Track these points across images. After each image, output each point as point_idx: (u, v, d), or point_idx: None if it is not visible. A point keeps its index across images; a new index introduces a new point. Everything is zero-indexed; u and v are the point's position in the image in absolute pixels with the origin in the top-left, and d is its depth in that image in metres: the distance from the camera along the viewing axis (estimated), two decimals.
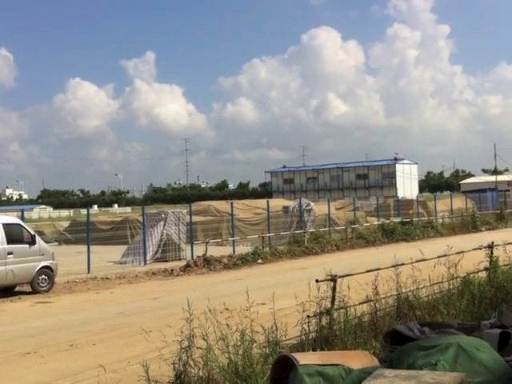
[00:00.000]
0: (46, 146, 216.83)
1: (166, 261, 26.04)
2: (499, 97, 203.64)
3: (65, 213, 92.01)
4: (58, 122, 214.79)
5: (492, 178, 78.73)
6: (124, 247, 27.43)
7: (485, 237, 25.40)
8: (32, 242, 19.17)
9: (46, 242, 25.82)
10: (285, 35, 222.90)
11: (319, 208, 37.00)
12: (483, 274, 12.92)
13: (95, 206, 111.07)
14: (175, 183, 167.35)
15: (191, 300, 8.34)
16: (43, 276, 19.27)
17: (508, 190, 64.31)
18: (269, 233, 30.78)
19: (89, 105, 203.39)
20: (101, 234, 31.78)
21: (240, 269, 24.12)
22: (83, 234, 27.02)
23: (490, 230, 40.90)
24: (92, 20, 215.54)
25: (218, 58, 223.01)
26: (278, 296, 10.40)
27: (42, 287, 19.18)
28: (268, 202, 33.75)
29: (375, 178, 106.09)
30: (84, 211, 44.38)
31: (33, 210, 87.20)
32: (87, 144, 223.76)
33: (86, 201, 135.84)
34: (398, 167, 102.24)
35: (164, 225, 26.79)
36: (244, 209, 40.73)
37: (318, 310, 9.18)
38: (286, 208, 35.43)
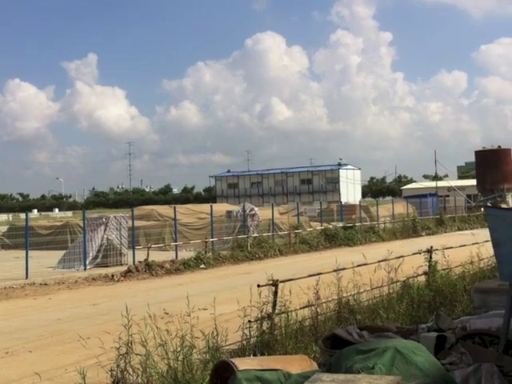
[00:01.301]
0: None
1: (106, 266, 25.60)
2: (439, 104, 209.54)
3: (3, 217, 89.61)
4: None
5: (432, 184, 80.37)
6: (64, 252, 26.87)
7: (425, 241, 25.92)
8: None
9: None
10: (229, 39, 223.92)
11: (263, 213, 37.05)
12: (422, 278, 13.19)
13: (35, 211, 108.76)
14: (118, 187, 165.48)
15: (131, 306, 8.24)
16: None
17: (448, 196, 65.80)
18: (212, 237, 30.67)
19: (28, 107, 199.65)
20: (40, 238, 31.03)
21: (182, 274, 23.94)
22: (22, 239, 26.32)
23: (430, 234, 41.69)
24: (33, 20, 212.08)
25: (162, 61, 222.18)
26: (220, 301, 10.35)
27: None
28: (211, 206, 33.61)
29: (319, 183, 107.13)
30: (23, 215, 43.38)
31: None
32: (27, 146, 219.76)
33: (26, 205, 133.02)
34: (342, 172, 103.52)
35: (105, 229, 26.35)
36: (187, 213, 40.39)
37: (259, 315, 9.18)
38: (229, 213, 35.27)
